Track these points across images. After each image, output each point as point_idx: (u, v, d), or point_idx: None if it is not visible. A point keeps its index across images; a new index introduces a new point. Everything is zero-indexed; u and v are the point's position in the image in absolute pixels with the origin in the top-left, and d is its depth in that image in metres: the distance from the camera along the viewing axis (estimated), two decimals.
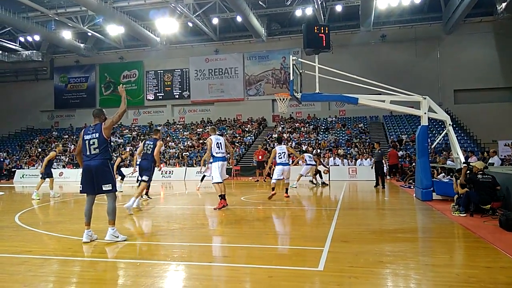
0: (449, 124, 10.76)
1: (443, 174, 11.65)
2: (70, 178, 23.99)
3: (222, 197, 9.10)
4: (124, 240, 5.77)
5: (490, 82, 27.67)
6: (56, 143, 18.10)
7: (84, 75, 36.17)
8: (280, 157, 11.13)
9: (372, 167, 15.92)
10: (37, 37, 32.12)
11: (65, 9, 26.91)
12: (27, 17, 27.27)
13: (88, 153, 5.68)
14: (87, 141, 5.69)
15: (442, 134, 11.61)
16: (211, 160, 9.59)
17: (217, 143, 9.10)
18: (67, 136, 32.83)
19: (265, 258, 4.92)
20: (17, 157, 29.95)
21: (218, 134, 9.98)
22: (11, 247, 5.65)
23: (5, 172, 27.14)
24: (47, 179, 12.85)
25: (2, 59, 34.23)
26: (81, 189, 5.79)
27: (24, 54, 34.40)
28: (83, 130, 5.90)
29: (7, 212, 9.77)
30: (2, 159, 24.90)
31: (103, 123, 5.80)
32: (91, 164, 5.64)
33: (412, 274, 4.24)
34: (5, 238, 6.38)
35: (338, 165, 21.60)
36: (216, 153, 9.06)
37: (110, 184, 5.70)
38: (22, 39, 33.20)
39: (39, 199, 12.19)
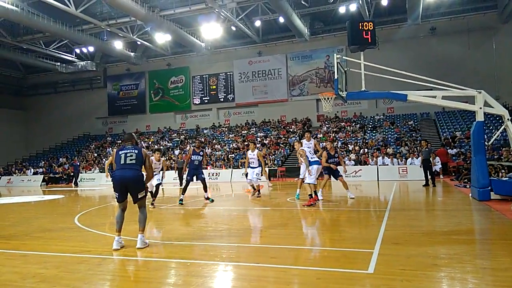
0: (508, 119, 10.09)
1: (504, 171, 10.95)
2: None
3: (311, 196, 9.93)
4: (147, 246, 5.74)
5: None
6: (113, 149, 18.90)
7: (135, 82, 37.77)
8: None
9: (420, 166, 15.48)
10: (91, 48, 34.02)
11: (116, 20, 28.27)
12: (82, 30, 28.97)
13: (122, 162, 5.72)
14: (123, 154, 5.77)
15: (500, 130, 10.93)
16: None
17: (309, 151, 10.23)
18: (120, 141, 34.40)
19: (313, 260, 4.89)
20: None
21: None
22: (72, 247, 6.01)
23: (64, 177, 28.92)
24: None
25: (61, 70, 36.58)
26: (116, 196, 5.82)
27: (79, 65, 36.53)
28: (116, 150, 5.95)
29: (67, 214, 10.42)
30: (77, 164, 25.66)
31: (143, 151, 5.95)
32: (126, 175, 5.67)
33: (469, 278, 4.02)
34: (66, 238, 6.80)
35: (387, 164, 20.96)
36: (311, 158, 10.06)
37: (143, 191, 5.83)
38: (77, 50, 35.28)
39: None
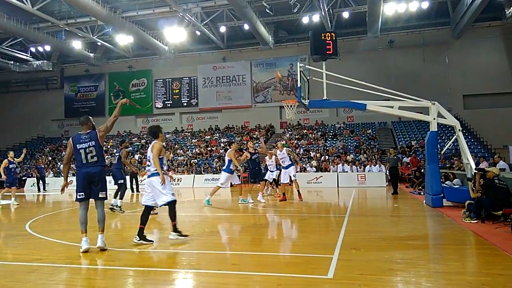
0: (459, 130, 10.67)
1: (458, 179, 11.51)
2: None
3: (284, 194, 12.35)
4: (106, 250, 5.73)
5: (499, 86, 27.38)
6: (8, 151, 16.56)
7: (94, 84, 36.59)
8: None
9: (386, 173, 15.49)
10: (47, 47, 32.59)
11: (75, 20, 27.31)
12: (38, 28, 27.71)
13: (85, 162, 5.64)
14: (82, 150, 5.64)
15: (452, 140, 11.53)
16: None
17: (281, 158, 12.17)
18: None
19: (274, 266, 4.90)
20: (28, 165, 30.27)
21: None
22: (22, 255, 5.70)
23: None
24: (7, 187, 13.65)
25: (14, 69, 34.77)
26: (81, 197, 5.67)
27: (35, 64, 34.91)
28: (72, 139, 5.78)
29: (18, 220, 9.87)
30: (42, 166, 23.80)
31: (97, 131, 5.76)
32: (93, 171, 5.63)
33: (424, 282, 4.19)
34: (16, 246, 6.44)
35: (346, 171, 21.49)
36: (282, 162, 12.14)
37: (105, 192, 5.80)
38: (33, 49, 33.69)
39: (17, 204, 13.30)
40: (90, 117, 5.97)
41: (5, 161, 13.58)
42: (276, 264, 5.03)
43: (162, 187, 6.09)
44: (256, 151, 12.33)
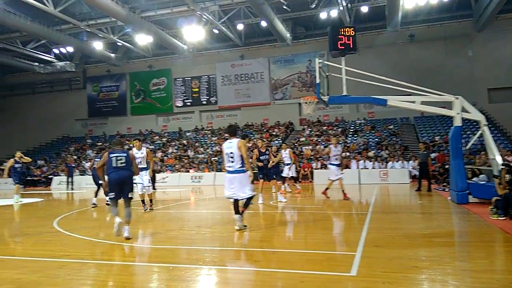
0: (484, 124, 10.38)
1: (484, 175, 11.21)
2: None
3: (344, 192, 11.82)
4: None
5: None
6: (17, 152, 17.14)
7: (115, 84, 37.22)
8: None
9: (417, 169, 14.87)
10: (70, 49, 33.30)
11: (96, 21, 27.81)
12: (60, 30, 28.35)
13: (114, 165, 6.51)
14: (114, 157, 6.55)
15: (477, 135, 11.21)
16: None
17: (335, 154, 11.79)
18: (100, 143, 33.83)
19: (297, 263, 4.90)
20: (54, 164, 31.11)
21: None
22: (51, 251, 5.87)
23: (43, 179, 28.21)
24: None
25: (38, 70, 35.70)
26: (113, 196, 6.52)
27: (58, 65, 35.72)
28: (107, 153, 6.70)
29: (46, 217, 10.15)
30: (72, 165, 23.70)
31: (130, 153, 6.84)
32: (123, 175, 6.54)
33: (450, 280, 4.11)
34: (44, 242, 6.64)
35: (368, 168, 21.24)
36: (335, 159, 11.77)
37: (132, 192, 6.72)
38: (56, 51, 34.50)
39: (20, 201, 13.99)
40: (121, 140, 7.17)
41: (11, 160, 14.47)
42: (299, 261, 5.03)
43: (247, 184, 6.95)
44: (267, 152, 11.89)
